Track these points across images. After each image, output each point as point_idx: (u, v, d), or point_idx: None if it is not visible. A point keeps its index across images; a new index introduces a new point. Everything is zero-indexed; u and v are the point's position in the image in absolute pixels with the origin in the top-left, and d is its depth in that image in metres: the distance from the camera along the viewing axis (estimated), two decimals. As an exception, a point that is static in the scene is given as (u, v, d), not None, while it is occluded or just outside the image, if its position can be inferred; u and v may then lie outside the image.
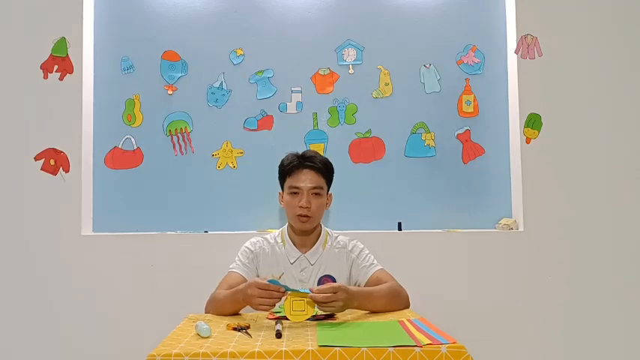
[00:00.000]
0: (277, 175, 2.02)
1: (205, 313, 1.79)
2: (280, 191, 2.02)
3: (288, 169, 1.95)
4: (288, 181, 1.95)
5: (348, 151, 2.63)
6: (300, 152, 1.98)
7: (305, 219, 1.91)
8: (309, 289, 1.58)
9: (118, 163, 2.59)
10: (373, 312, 1.75)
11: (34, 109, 2.49)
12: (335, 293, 1.58)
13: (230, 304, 1.71)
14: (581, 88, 2.63)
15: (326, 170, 1.97)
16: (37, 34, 2.50)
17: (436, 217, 2.63)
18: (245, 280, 1.85)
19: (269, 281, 1.56)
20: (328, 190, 2.00)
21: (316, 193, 1.92)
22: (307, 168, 1.93)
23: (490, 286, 2.55)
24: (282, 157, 2.01)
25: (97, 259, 2.47)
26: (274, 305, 1.58)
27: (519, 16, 2.62)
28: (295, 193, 1.92)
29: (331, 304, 1.58)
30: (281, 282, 1.59)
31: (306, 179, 1.92)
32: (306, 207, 1.89)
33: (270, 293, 1.55)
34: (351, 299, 1.64)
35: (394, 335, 1.40)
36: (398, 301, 1.80)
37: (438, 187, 2.65)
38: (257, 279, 1.62)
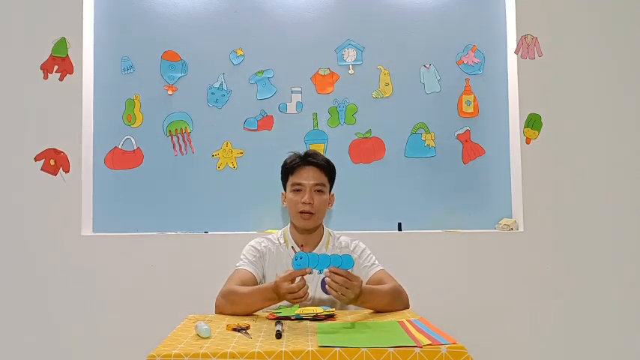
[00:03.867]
0: (279, 175, 2.02)
1: (219, 309, 1.76)
2: (283, 192, 2.02)
3: (290, 167, 1.96)
4: (291, 179, 1.95)
5: (348, 152, 2.63)
6: (303, 152, 2.00)
7: (308, 215, 1.90)
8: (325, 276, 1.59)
9: (118, 163, 2.59)
10: (374, 310, 1.75)
11: (34, 110, 2.49)
12: (351, 281, 1.58)
13: (260, 302, 1.69)
14: (581, 88, 2.63)
15: (328, 168, 1.98)
16: (37, 34, 2.50)
17: (436, 217, 2.63)
18: (254, 278, 1.85)
19: (294, 265, 1.56)
20: (330, 190, 2.01)
21: (319, 190, 1.93)
22: (310, 165, 1.94)
23: (490, 287, 2.55)
24: (283, 157, 2.02)
25: (97, 259, 2.47)
26: (306, 292, 1.59)
27: (519, 16, 2.62)
28: (298, 189, 1.92)
29: (343, 290, 1.58)
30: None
31: (309, 176, 1.93)
32: (309, 203, 1.89)
33: (297, 285, 1.57)
34: (359, 295, 1.64)
35: (394, 336, 1.40)
36: (399, 302, 1.80)
37: (438, 187, 2.65)
38: (280, 276, 1.61)
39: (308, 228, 1.95)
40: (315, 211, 1.91)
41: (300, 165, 1.94)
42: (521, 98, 2.60)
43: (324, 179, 1.96)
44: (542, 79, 2.61)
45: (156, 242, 2.51)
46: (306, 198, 1.90)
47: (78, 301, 2.45)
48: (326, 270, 1.58)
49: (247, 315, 1.71)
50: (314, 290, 1.92)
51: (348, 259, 1.59)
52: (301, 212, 1.90)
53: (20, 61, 2.50)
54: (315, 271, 1.58)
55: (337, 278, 1.57)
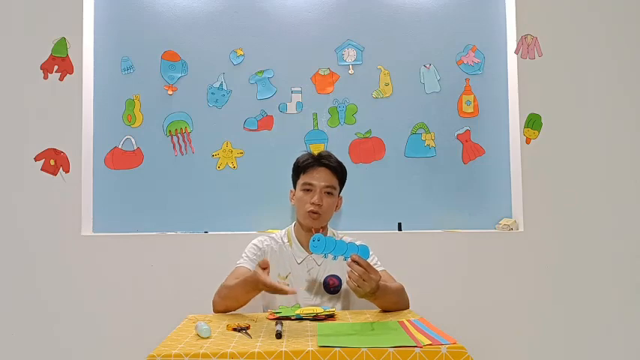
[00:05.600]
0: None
1: (214, 306, 1.78)
2: (292, 189, 2.03)
3: (303, 166, 1.97)
4: (302, 178, 1.96)
5: (348, 152, 2.63)
6: (312, 151, 2.01)
7: (316, 216, 1.92)
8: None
9: (118, 163, 2.59)
10: (381, 308, 1.76)
11: (34, 109, 2.49)
12: (370, 274, 1.57)
13: (243, 293, 1.70)
14: (581, 88, 2.63)
15: (340, 171, 2.00)
16: (37, 34, 2.50)
17: (436, 217, 2.63)
18: None
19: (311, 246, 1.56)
20: (339, 193, 2.01)
21: (329, 192, 1.94)
22: (323, 166, 1.96)
23: (490, 287, 2.55)
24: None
25: (97, 259, 2.47)
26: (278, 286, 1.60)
27: (519, 16, 2.62)
28: (308, 189, 1.94)
29: (360, 282, 1.57)
30: (288, 283, 1.60)
31: (321, 177, 1.94)
32: (318, 204, 1.90)
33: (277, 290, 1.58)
34: (376, 290, 1.63)
35: (394, 336, 1.40)
36: (402, 302, 1.82)
37: (438, 187, 2.65)
38: (263, 278, 1.59)
39: (314, 227, 1.95)
40: (323, 213, 1.93)
41: (312, 165, 1.96)
42: (521, 98, 2.60)
43: (335, 182, 1.97)
44: (542, 79, 2.61)
45: (156, 242, 2.51)
46: (315, 199, 1.91)
47: (78, 301, 2.45)
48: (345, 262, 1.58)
49: (238, 308, 1.73)
50: (315, 290, 1.92)
51: (364, 250, 1.58)
52: (309, 212, 1.91)
53: (20, 61, 2.50)
54: (330, 256, 1.55)
55: (357, 268, 1.57)
